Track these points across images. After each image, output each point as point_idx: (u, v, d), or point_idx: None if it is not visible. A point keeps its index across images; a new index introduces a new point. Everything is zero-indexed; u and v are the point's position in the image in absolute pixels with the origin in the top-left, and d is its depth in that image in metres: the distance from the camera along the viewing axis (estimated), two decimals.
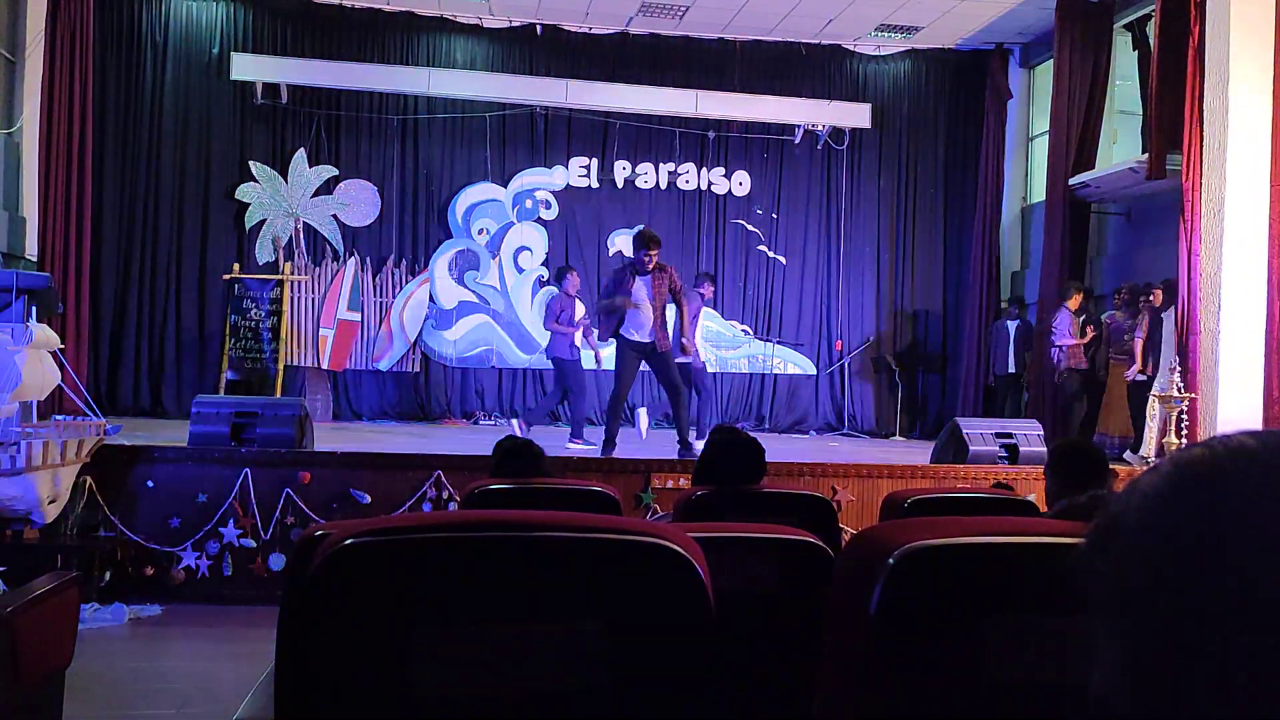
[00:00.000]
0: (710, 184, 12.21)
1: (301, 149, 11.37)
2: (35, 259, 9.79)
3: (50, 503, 5.84)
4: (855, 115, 12.04)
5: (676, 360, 7.75)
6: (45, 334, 5.86)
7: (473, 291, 11.77)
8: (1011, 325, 10.99)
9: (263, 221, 11.30)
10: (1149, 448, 8.51)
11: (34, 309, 6.03)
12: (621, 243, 12.08)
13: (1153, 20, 9.28)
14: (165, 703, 4.67)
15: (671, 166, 12.12)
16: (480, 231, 11.87)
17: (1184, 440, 7.45)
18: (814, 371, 12.26)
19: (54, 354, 6.14)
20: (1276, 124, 7.84)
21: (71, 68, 9.79)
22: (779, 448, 8.99)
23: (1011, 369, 10.90)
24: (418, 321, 11.56)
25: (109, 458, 6.56)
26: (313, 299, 11.30)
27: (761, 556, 2.15)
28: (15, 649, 2.92)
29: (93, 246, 10.37)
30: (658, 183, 12.12)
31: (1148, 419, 8.62)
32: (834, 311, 12.36)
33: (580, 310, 9.28)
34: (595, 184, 12.03)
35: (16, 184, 9.99)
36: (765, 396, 12.29)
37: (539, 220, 11.99)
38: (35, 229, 9.86)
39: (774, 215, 12.35)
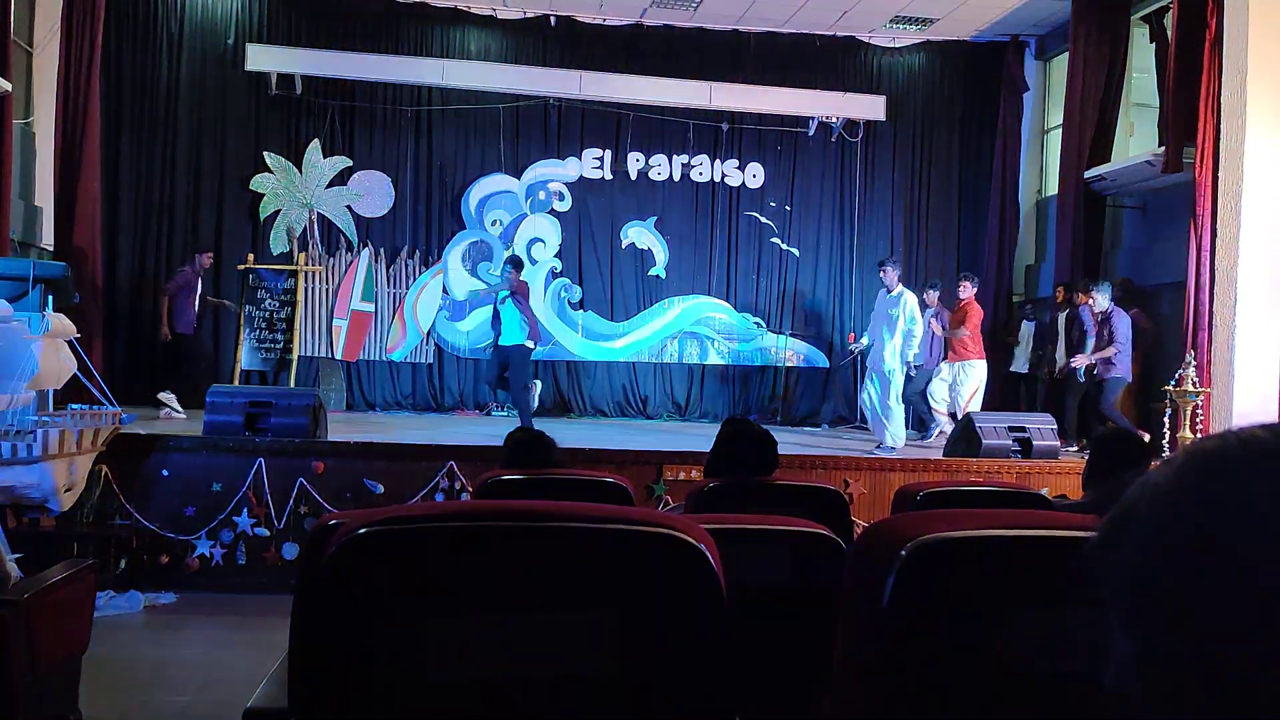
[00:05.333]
0: (724, 176, 12.17)
1: (316, 140, 11.38)
2: (51, 248, 9.84)
3: (66, 491, 5.88)
4: (870, 107, 11.99)
5: None
6: (61, 323, 5.90)
7: (486, 283, 11.78)
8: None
9: (277, 212, 11.33)
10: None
11: (50, 298, 6.07)
12: (634, 235, 12.08)
13: (1170, 12, 9.21)
14: (180, 689, 4.71)
15: (685, 158, 12.10)
16: (493, 223, 11.88)
17: (1198, 434, 7.41)
18: (827, 364, 12.24)
19: (70, 343, 6.18)
20: None
21: (87, 58, 9.83)
22: (791, 440, 8.99)
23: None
24: (431, 312, 11.59)
25: (124, 446, 6.61)
26: (327, 290, 11.32)
27: (774, 548, 2.16)
28: (33, 634, 2.95)
29: (109, 236, 10.42)
30: (671, 175, 12.10)
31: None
32: (847, 304, 12.33)
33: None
34: (608, 176, 12.02)
35: (33, 174, 10.04)
36: (778, 389, 12.27)
37: (552, 212, 11.98)
38: (51, 218, 9.91)
39: (787, 207, 12.32)
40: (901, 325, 8.69)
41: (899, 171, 12.43)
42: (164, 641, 5.70)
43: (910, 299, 8.82)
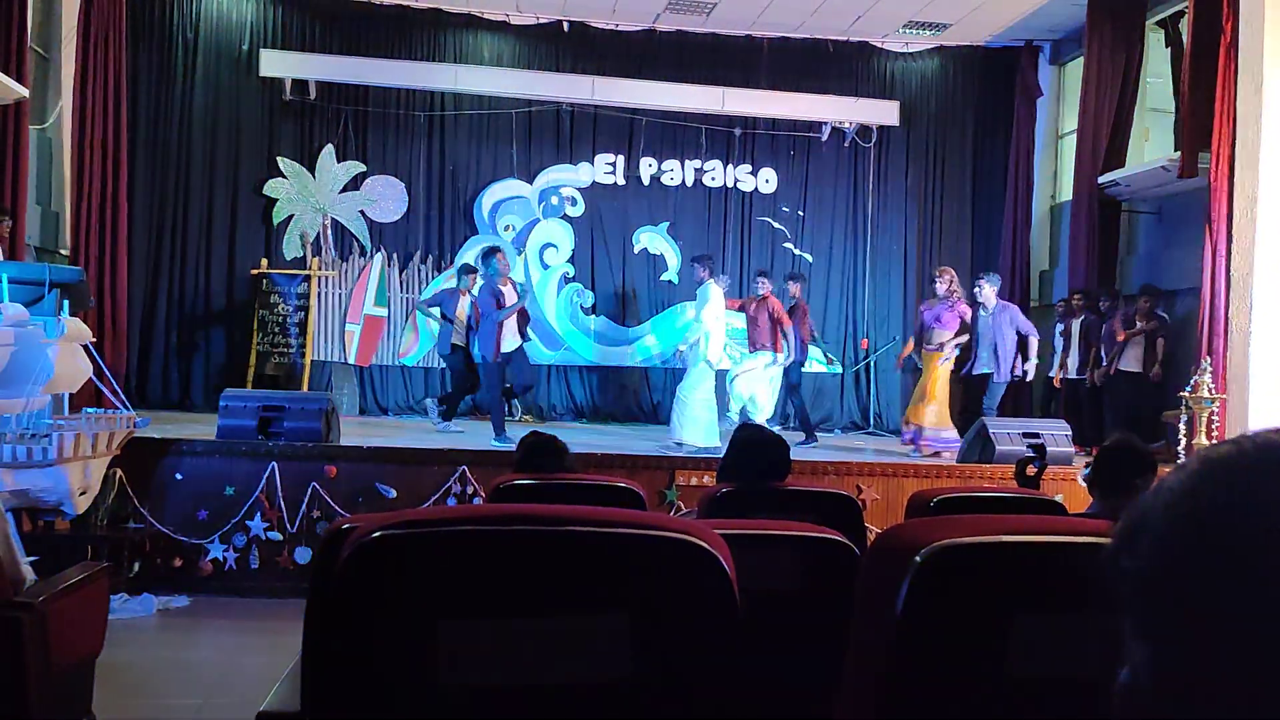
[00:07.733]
0: (737, 181, 12.17)
1: (329, 145, 11.42)
2: (68, 253, 9.89)
3: (81, 494, 5.91)
4: (883, 113, 11.97)
5: None
6: (77, 327, 5.92)
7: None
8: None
9: (291, 217, 11.37)
10: None
11: (66, 302, 6.09)
12: (647, 240, 12.08)
13: (1185, 17, 9.18)
14: (193, 692, 4.72)
15: (698, 164, 12.09)
16: (506, 228, 11.89)
17: (1214, 441, 7.37)
18: (840, 370, 12.21)
19: (85, 347, 6.21)
20: None
21: (104, 64, 9.88)
22: (804, 446, 8.97)
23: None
24: None
25: (139, 450, 6.63)
26: (340, 294, 11.36)
27: (787, 554, 2.15)
28: (47, 637, 2.97)
29: (125, 241, 10.47)
30: (684, 180, 12.09)
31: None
32: (860, 309, 12.30)
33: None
34: (621, 181, 12.02)
35: (50, 179, 10.10)
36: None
37: (565, 217, 11.99)
38: (68, 223, 9.97)
39: (800, 213, 12.30)
40: (701, 319, 8.57)
41: (912, 177, 12.40)
42: (177, 644, 5.72)
43: (714, 291, 8.59)
